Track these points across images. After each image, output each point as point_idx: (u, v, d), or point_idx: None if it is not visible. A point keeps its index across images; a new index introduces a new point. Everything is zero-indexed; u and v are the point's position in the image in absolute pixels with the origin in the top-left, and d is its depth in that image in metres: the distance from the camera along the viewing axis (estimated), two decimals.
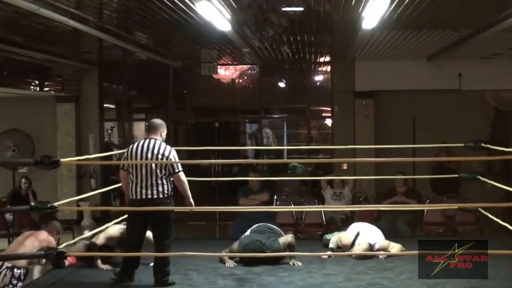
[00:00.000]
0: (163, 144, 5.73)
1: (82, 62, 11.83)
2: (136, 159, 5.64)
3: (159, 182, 5.61)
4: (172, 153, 5.68)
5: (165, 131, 5.92)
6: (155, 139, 5.74)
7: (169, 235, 5.73)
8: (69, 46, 10.30)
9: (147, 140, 5.74)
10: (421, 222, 9.21)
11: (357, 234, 6.88)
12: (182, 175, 5.69)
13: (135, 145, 5.77)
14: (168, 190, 5.68)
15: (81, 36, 9.15)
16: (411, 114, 11.88)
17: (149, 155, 5.63)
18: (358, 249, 6.70)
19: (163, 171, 5.63)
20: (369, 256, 6.65)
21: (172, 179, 5.71)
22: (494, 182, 6.84)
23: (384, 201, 9.26)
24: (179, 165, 5.70)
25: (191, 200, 5.83)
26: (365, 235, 6.87)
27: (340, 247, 7.00)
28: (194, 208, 6.00)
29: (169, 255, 5.73)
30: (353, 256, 6.63)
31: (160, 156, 5.62)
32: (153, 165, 5.59)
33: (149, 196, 5.61)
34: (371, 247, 6.76)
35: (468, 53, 10.17)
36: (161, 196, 5.62)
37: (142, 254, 5.73)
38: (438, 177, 9.01)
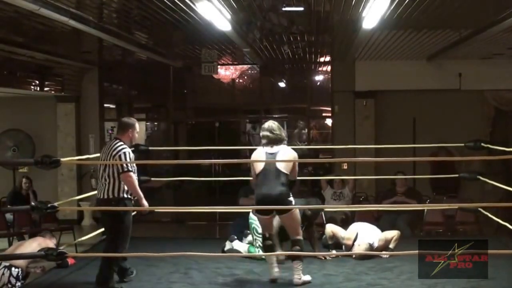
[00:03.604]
0: (118, 144, 5.70)
1: (82, 62, 11.83)
2: (100, 159, 5.79)
3: (107, 182, 5.61)
4: (120, 152, 5.62)
5: (135, 132, 5.89)
6: (116, 139, 5.78)
7: (115, 241, 5.62)
8: (69, 46, 10.30)
9: (110, 141, 5.84)
10: (421, 222, 9.23)
11: (356, 235, 6.91)
12: (128, 175, 5.57)
13: (104, 147, 5.91)
14: (116, 192, 5.61)
15: (81, 36, 9.15)
16: (411, 114, 11.87)
17: (106, 156, 5.68)
18: (358, 250, 6.72)
19: (111, 171, 5.60)
20: (370, 255, 6.67)
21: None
22: (494, 182, 6.85)
23: (384, 201, 9.28)
24: (127, 165, 5.59)
25: (144, 201, 5.71)
26: (364, 235, 6.89)
27: (336, 242, 7.05)
28: (191, 208, 6.02)
29: (171, 255, 5.73)
30: (353, 256, 6.66)
31: (110, 157, 5.63)
32: (104, 166, 5.64)
33: (99, 196, 5.69)
34: (370, 247, 6.77)
35: (468, 53, 10.17)
36: (105, 197, 5.62)
37: (139, 254, 5.73)
38: (438, 177, 9.02)
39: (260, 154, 5.88)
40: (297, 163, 5.97)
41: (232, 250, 6.95)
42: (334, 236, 7.11)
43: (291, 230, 5.86)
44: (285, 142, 5.97)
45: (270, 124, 5.99)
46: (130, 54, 11.40)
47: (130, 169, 5.61)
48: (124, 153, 5.63)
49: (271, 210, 5.80)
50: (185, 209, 10.31)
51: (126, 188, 5.65)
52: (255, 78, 13.59)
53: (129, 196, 5.69)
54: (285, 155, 5.84)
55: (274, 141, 5.88)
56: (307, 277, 5.83)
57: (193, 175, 9.50)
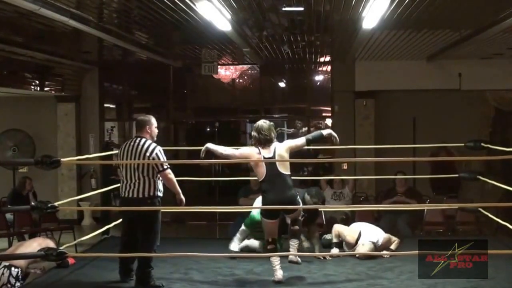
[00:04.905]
0: (148, 142, 5.68)
1: (82, 62, 11.84)
2: (123, 158, 5.68)
3: (142, 181, 5.60)
4: (155, 151, 5.62)
5: (153, 127, 5.86)
6: (141, 137, 5.74)
7: (151, 239, 5.64)
8: (69, 46, 10.31)
9: (133, 139, 5.76)
10: (421, 222, 9.22)
11: (359, 234, 6.90)
12: (168, 172, 5.64)
13: (124, 145, 5.83)
14: (152, 191, 5.62)
15: (81, 36, 9.16)
16: (411, 114, 11.88)
17: (133, 154, 5.63)
18: (362, 249, 6.71)
19: (145, 171, 5.59)
20: (374, 255, 6.66)
21: (160, 178, 5.67)
22: (494, 182, 6.85)
23: (384, 201, 9.27)
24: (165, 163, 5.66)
25: (182, 196, 5.83)
26: (367, 234, 6.89)
27: (341, 241, 7.03)
28: (191, 208, 5.99)
29: (170, 255, 5.72)
30: (357, 256, 6.64)
31: (142, 156, 5.60)
32: (136, 165, 5.59)
33: (131, 196, 5.63)
34: (374, 245, 6.76)
35: (468, 53, 10.17)
36: (141, 196, 5.60)
37: (139, 254, 5.71)
38: (438, 177, 9.02)
39: (257, 159, 5.83)
40: (296, 144, 5.98)
41: (248, 247, 6.87)
42: (339, 236, 7.07)
43: (294, 217, 6.03)
44: (275, 141, 5.91)
45: (261, 123, 5.93)
46: (130, 54, 11.41)
47: (168, 165, 5.68)
48: (160, 151, 5.67)
49: (279, 214, 5.84)
50: (185, 209, 10.29)
51: (159, 186, 5.67)
52: (255, 78, 13.60)
53: (160, 194, 5.71)
54: (281, 156, 5.82)
55: (261, 141, 5.84)
56: (299, 259, 5.98)
57: (193, 175, 9.49)
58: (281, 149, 5.88)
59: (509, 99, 11.98)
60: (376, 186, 11.52)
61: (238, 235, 6.90)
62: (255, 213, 6.75)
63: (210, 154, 6.07)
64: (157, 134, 5.94)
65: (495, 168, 11.34)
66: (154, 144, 5.71)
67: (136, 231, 5.73)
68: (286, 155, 5.86)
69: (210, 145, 6.02)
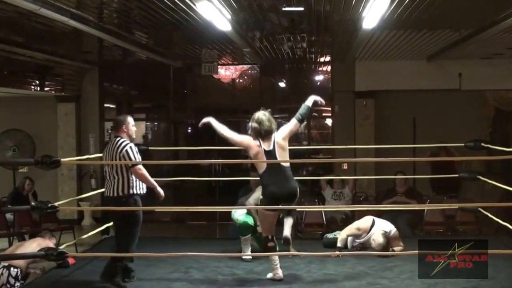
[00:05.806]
0: (121, 140, 5.73)
1: (82, 62, 11.83)
2: (104, 159, 5.80)
3: (116, 180, 5.64)
4: (125, 148, 5.65)
5: (130, 126, 5.88)
6: (116, 137, 5.82)
7: (127, 238, 5.64)
8: (69, 46, 10.30)
9: (112, 140, 5.87)
10: (421, 222, 9.22)
11: (373, 222, 6.94)
12: (138, 168, 5.63)
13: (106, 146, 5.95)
14: (126, 189, 5.64)
15: (81, 36, 9.16)
16: (411, 114, 11.88)
17: (110, 154, 5.71)
18: (375, 244, 6.76)
19: (119, 168, 5.64)
20: (373, 255, 6.69)
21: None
22: (494, 182, 6.85)
23: (384, 201, 9.28)
24: (135, 159, 5.64)
25: (159, 189, 5.81)
26: (380, 223, 6.94)
27: (357, 236, 7.06)
28: (191, 208, 5.98)
29: (170, 255, 5.71)
30: (372, 245, 6.70)
31: (115, 154, 5.66)
32: (110, 164, 5.68)
33: (107, 194, 5.72)
34: (386, 236, 6.81)
35: (468, 53, 10.17)
36: (115, 194, 5.64)
37: (139, 254, 5.72)
38: (438, 177, 9.02)
39: (257, 151, 5.79)
40: (290, 129, 5.93)
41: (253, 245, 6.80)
42: (346, 241, 7.09)
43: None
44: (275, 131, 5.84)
45: (260, 115, 5.86)
46: (130, 54, 11.41)
47: (139, 161, 5.69)
48: (130, 147, 5.69)
49: (279, 205, 5.77)
50: (185, 209, 10.31)
51: (135, 184, 5.68)
52: (255, 78, 13.60)
53: (137, 192, 5.71)
54: (281, 148, 5.77)
55: (262, 134, 5.77)
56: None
57: (193, 175, 9.50)
58: (279, 139, 5.83)
59: (509, 99, 11.97)
60: (376, 186, 11.52)
61: (242, 246, 6.76)
62: (241, 219, 6.73)
63: (209, 128, 6.01)
64: (135, 132, 5.98)
65: (495, 168, 11.34)
66: (126, 141, 5.74)
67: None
68: (285, 144, 5.83)
69: (213, 121, 6.00)
